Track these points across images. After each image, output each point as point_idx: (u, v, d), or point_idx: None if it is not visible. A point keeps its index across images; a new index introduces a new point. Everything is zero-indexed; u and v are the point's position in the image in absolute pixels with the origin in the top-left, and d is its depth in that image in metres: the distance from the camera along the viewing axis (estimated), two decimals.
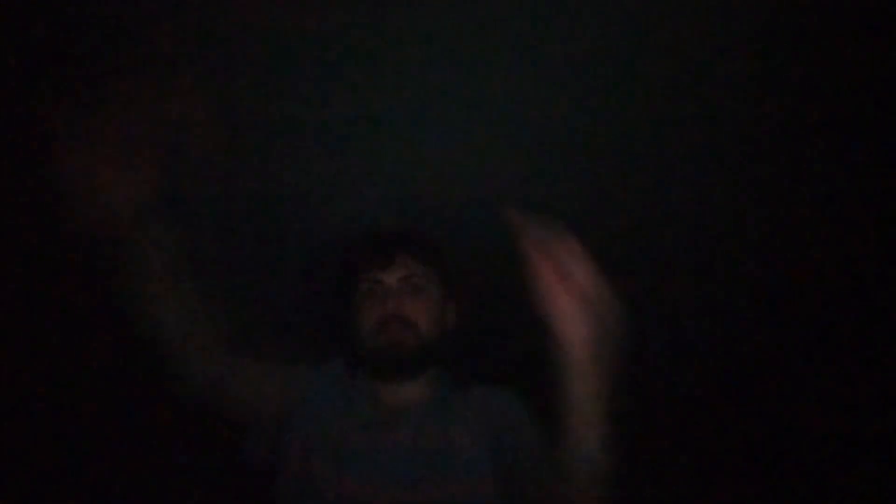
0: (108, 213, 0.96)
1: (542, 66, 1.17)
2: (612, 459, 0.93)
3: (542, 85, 1.21)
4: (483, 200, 1.50)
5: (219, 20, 1.06)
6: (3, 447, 1.98)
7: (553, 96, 1.24)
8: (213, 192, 1.45)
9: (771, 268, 1.75)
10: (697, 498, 2.19)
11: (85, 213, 0.94)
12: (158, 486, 2.14)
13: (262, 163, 1.39)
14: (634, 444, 2.30)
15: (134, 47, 1.11)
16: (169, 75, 1.15)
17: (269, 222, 1.55)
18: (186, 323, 1.14)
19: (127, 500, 2.13)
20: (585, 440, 0.93)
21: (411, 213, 1.54)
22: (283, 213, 1.51)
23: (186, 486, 2.15)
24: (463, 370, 1.36)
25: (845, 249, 1.68)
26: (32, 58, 1.12)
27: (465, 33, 1.10)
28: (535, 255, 0.89)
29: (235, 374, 1.25)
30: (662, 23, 1.09)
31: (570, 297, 0.87)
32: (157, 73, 1.15)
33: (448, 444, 1.20)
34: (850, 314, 1.92)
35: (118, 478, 2.15)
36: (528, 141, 1.34)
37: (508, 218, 0.91)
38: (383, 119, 1.28)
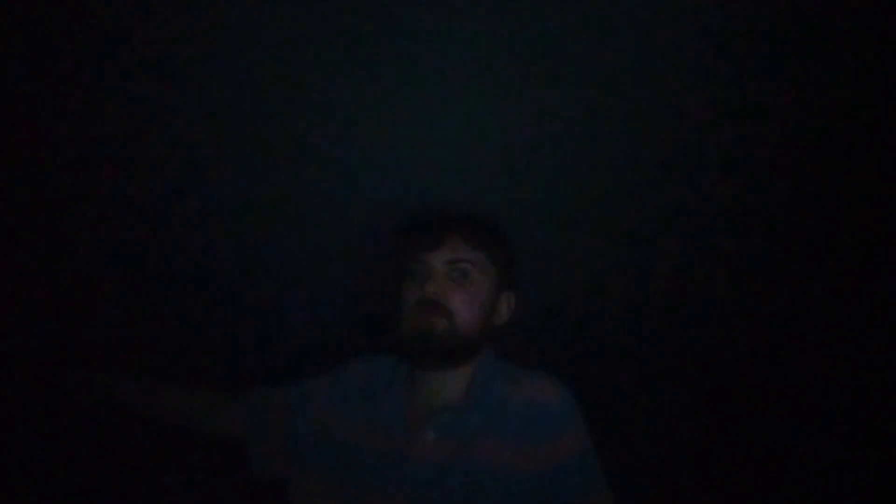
0: None
1: (542, 66, 1.17)
2: None
3: (543, 85, 1.21)
4: (483, 200, 1.50)
5: (218, 20, 1.06)
6: (4, 447, 1.98)
7: (553, 97, 1.24)
8: (212, 194, 1.44)
9: (773, 269, 1.75)
10: (696, 498, 2.20)
11: None
12: (161, 486, 2.14)
13: (259, 167, 1.38)
14: (634, 444, 2.30)
15: (132, 48, 1.10)
16: (166, 77, 1.16)
17: (268, 225, 1.54)
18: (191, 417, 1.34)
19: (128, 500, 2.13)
20: None
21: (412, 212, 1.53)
22: (282, 214, 1.51)
23: (188, 486, 2.15)
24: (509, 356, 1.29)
25: (847, 251, 1.68)
26: (32, 58, 1.12)
27: (465, 33, 1.10)
28: None
29: (242, 416, 1.32)
30: (664, 24, 1.09)
31: None
32: (155, 73, 1.15)
33: (475, 457, 1.11)
34: (852, 316, 1.93)
35: (120, 477, 2.15)
36: (529, 141, 1.34)
37: None
38: (383, 119, 1.28)
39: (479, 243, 1.24)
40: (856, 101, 1.25)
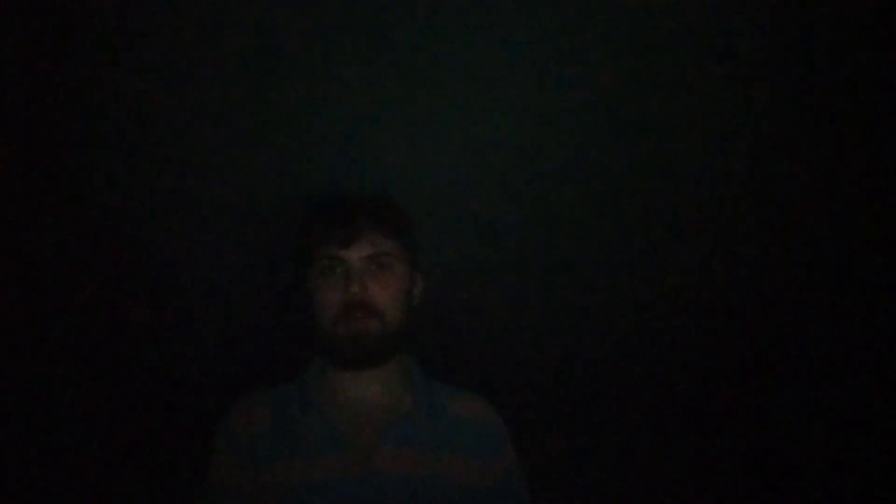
0: None
1: (542, 67, 1.17)
2: None
3: (543, 86, 1.21)
4: (482, 201, 1.50)
5: (217, 19, 1.06)
6: (4, 447, 1.98)
7: (552, 97, 1.24)
8: (211, 191, 1.45)
9: (772, 272, 1.75)
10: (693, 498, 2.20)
11: None
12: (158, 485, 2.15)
13: (260, 163, 1.38)
14: (632, 444, 2.30)
15: (133, 47, 1.11)
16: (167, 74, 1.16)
17: (266, 221, 1.54)
18: None
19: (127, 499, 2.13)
20: None
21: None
22: (280, 210, 1.51)
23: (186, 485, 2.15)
24: (432, 362, 1.27)
25: (848, 253, 1.68)
26: (33, 57, 1.12)
27: (466, 33, 1.10)
28: None
29: None
30: (666, 25, 1.09)
31: None
32: (155, 72, 1.16)
33: (437, 470, 1.10)
34: (851, 316, 1.93)
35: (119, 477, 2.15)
36: (529, 142, 1.34)
37: None
38: (382, 119, 1.28)
39: (394, 231, 1.17)
40: (856, 102, 1.25)
